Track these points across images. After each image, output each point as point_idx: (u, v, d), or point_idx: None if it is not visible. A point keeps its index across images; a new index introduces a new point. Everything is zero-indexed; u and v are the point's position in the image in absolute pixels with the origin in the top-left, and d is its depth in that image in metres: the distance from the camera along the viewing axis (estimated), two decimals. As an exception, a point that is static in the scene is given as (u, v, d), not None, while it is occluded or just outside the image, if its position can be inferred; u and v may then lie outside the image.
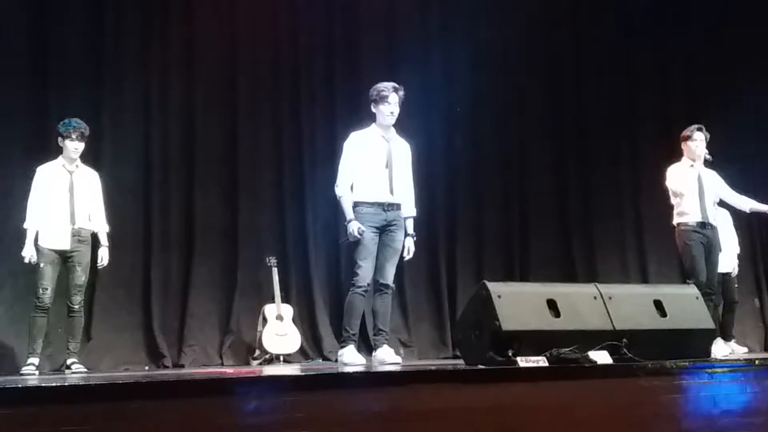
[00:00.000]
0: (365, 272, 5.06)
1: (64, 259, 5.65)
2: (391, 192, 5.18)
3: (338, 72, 7.69)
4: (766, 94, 8.36)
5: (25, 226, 5.60)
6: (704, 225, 6.05)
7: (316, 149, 7.44)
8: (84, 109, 6.30)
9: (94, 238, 5.81)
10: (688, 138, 6.18)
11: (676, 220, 6.18)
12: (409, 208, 5.31)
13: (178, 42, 7.18)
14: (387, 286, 5.16)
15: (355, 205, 5.13)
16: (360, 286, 5.06)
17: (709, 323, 4.40)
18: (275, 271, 6.84)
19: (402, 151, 5.33)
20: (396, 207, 5.19)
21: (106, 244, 5.84)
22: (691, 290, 4.54)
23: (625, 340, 3.91)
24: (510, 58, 8.32)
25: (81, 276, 5.67)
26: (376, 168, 5.17)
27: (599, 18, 8.52)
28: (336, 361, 5.98)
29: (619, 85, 8.62)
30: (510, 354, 3.68)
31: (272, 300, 6.79)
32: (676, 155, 6.31)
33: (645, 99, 8.74)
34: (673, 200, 6.21)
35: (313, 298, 7.24)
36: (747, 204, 6.26)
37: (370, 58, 7.72)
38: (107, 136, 6.73)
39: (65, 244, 5.62)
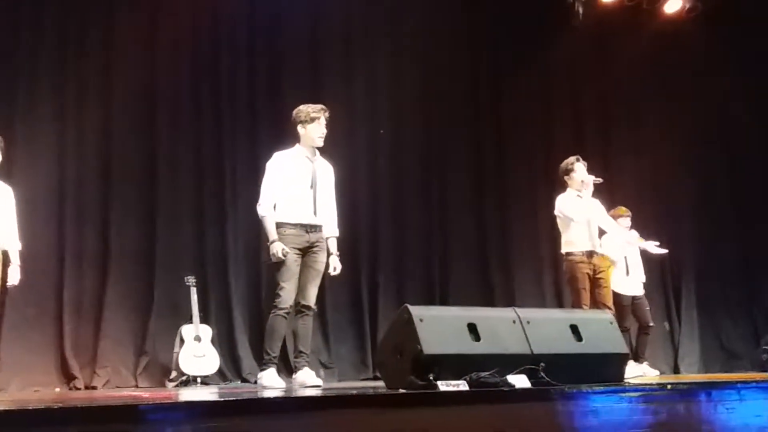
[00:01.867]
0: (288, 294, 5.03)
1: None
2: (315, 213, 5.18)
3: (260, 92, 7.65)
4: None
5: None
6: (592, 254, 6.21)
7: (237, 168, 7.38)
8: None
9: (5, 255, 5.50)
10: (570, 171, 6.34)
11: (564, 249, 6.31)
12: (332, 229, 5.32)
13: (96, 59, 7.05)
14: (309, 307, 5.16)
15: (278, 225, 5.09)
16: (282, 308, 5.03)
17: (622, 348, 4.50)
18: (194, 290, 6.73)
19: (326, 173, 5.35)
20: (318, 228, 5.20)
21: (18, 262, 5.51)
22: (606, 316, 4.65)
23: (542, 364, 3.94)
24: (433, 80, 8.38)
25: None
26: (300, 189, 5.16)
27: (519, 40, 8.67)
28: (255, 383, 5.91)
29: (534, 111, 8.79)
30: (431, 378, 3.67)
31: (190, 320, 6.67)
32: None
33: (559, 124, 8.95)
34: (562, 228, 6.34)
35: (232, 318, 7.15)
36: (623, 236, 6.43)
37: (293, 79, 7.69)
38: (20, 151, 6.52)
39: None
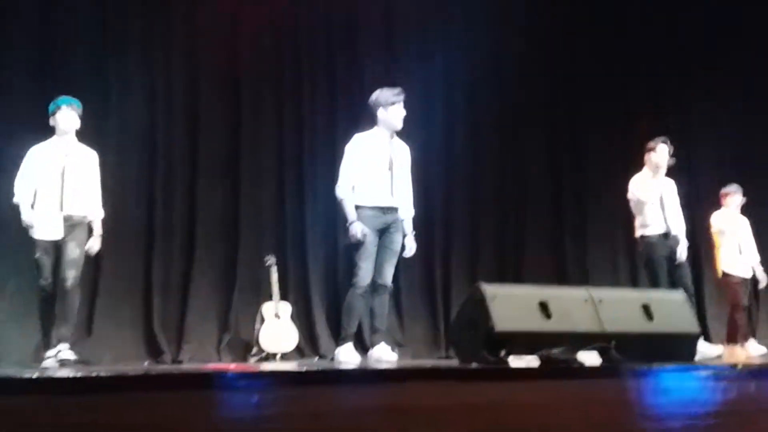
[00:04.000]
0: (365, 273, 5.15)
1: (58, 246, 5.29)
2: (392, 195, 5.29)
3: (339, 77, 7.77)
4: (724, 107, 8.51)
5: (15, 201, 5.36)
6: (667, 236, 6.15)
7: (316, 150, 7.51)
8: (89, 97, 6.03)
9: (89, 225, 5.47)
10: (652, 149, 6.28)
11: (639, 232, 6.27)
12: (408, 210, 5.43)
13: (181, 41, 7.27)
14: (385, 286, 5.27)
15: (356, 207, 5.22)
16: (360, 287, 5.16)
17: (694, 327, 4.50)
18: (274, 269, 6.91)
19: (403, 155, 5.45)
20: (395, 210, 5.32)
21: (100, 232, 5.48)
22: (678, 295, 4.65)
23: (613, 342, 4.00)
24: (508, 65, 8.39)
25: (75, 250, 5.27)
26: (378, 171, 5.27)
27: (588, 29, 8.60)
28: (332, 359, 6.07)
29: (612, 89, 8.70)
30: (502, 354, 3.77)
31: (270, 298, 6.87)
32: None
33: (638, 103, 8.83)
34: (635, 211, 6.29)
35: (310, 297, 7.31)
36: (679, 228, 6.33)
37: (370, 64, 7.80)
38: (111, 132, 6.78)
39: (57, 234, 5.27)
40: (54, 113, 5.38)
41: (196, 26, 7.30)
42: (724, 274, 7.10)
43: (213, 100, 7.30)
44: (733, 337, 6.98)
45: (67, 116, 5.36)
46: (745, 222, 7.27)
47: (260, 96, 7.47)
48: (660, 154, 6.27)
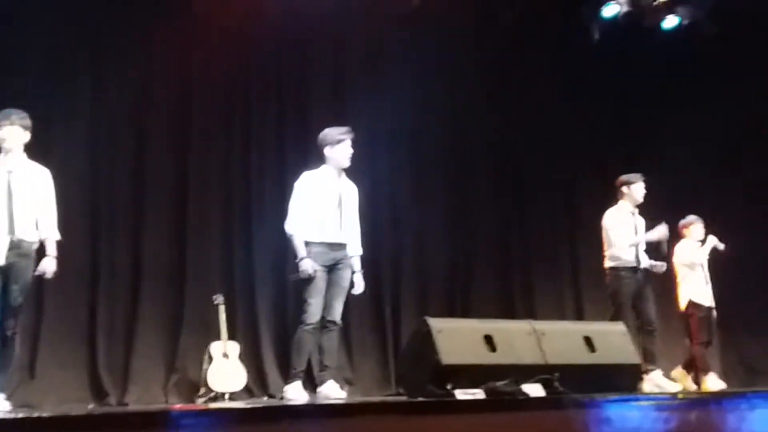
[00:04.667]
0: (315, 310, 5.20)
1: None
2: (341, 230, 5.36)
3: (288, 115, 7.80)
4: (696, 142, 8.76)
5: None
6: (636, 270, 6.31)
7: (264, 189, 7.51)
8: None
9: (38, 251, 5.04)
10: (631, 183, 6.43)
11: (609, 264, 6.41)
12: (356, 247, 5.50)
13: (131, 79, 7.18)
14: (334, 323, 5.31)
15: (305, 244, 5.27)
16: (309, 324, 5.19)
17: (635, 358, 4.63)
18: (222, 309, 6.87)
19: (351, 193, 5.55)
20: (343, 246, 5.38)
21: (54, 254, 5.04)
22: (619, 327, 4.78)
23: (556, 374, 4.09)
24: (452, 103, 8.53)
25: (17, 297, 4.86)
26: (327, 208, 5.35)
27: (540, 63, 8.79)
28: (281, 398, 6.04)
29: (559, 127, 8.89)
30: (449, 387, 3.83)
31: (218, 338, 6.82)
32: (608, 201, 6.56)
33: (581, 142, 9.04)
34: (608, 242, 6.42)
35: (259, 335, 7.27)
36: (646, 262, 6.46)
37: (318, 102, 7.87)
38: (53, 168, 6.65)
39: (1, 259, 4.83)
40: None
41: (147, 71, 7.25)
42: (692, 305, 7.02)
43: (160, 138, 7.26)
44: (689, 368, 7.03)
45: (7, 132, 4.93)
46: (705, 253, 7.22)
47: (208, 133, 7.46)
48: (638, 188, 6.41)
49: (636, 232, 6.42)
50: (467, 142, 8.63)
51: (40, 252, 5.08)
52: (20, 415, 3.44)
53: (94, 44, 7.10)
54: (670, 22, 8.35)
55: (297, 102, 7.88)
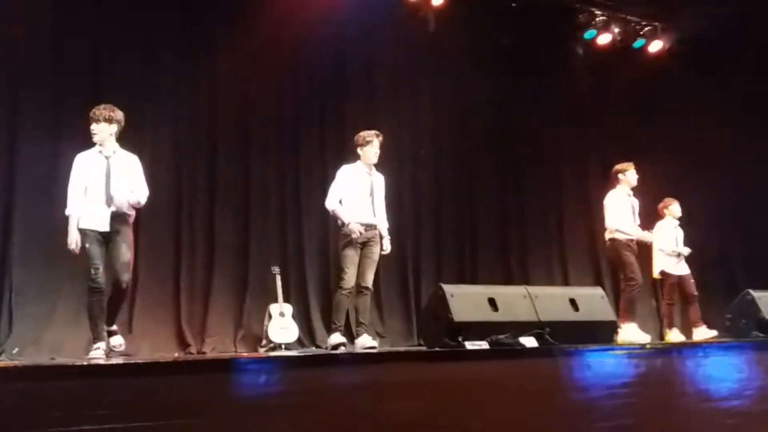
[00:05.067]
0: (350, 277, 5.18)
1: (107, 238, 4.62)
2: (373, 215, 5.34)
3: (328, 121, 7.78)
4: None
5: (66, 212, 4.66)
6: (631, 241, 6.24)
7: (311, 182, 7.49)
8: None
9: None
10: (625, 171, 6.35)
11: (610, 236, 6.27)
12: (383, 223, 5.47)
13: (203, 91, 7.22)
14: (367, 288, 5.30)
15: (343, 224, 5.26)
16: (345, 289, 5.19)
17: (611, 316, 4.60)
18: (278, 277, 6.93)
19: (380, 183, 5.52)
20: (374, 227, 5.34)
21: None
22: (598, 291, 4.74)
23: (547, 329, 4.08)
24: (463, 109, 8.42)
25: (126, 252, 4.64)
26: (361, 195, 5.34)
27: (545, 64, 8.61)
28: (326, 347, 6.06)
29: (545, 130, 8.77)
30: (460, 339, 3.83)
31: (276, 300, 6.88)
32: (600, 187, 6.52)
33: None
34: (609, 220, 6.30)
35: (308, 298, 7.31)
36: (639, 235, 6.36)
37: (353, 109, 7.80)
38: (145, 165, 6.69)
39: (105, 226, 4.62)
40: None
41: (213, 77, 7.26)
42: (663, 273, 6.86)
43: (228, 139, 7.27)
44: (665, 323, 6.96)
45: (96, 128, 4.70)
46: (680, 231, 7.01)
47: (267, 138, 7.46)
48: (631, 174, 6.33)
49: (633, 212, 6.31)
50: (474, 141, 8.50)
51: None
52: (121, 361, 3.51)
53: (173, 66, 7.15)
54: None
55: (336, 110, 7.83)
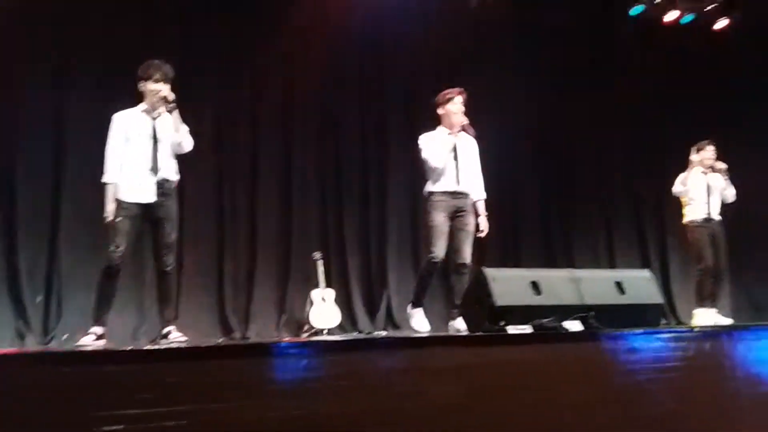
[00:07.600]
0: (439, 251, 4.73)
1: (148, 214, 4.23)
2: (458, 182, 4.86)
3: (368, 110, 7.69)
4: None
5: (103, 180, 4.22)
6: (709, 220, 6.07)
7: (351, 175, 7.48)
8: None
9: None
10: (702, 149, 6.18)
11: (686, 219, 6.14)
12: (479, 193, 4.99)
13: (250, 82, 7.24)
14: (465, 265, 4.77)
15: (431, 194, 4.86)
16: (435, 261, 4.75)
17: (658, 299, 4.50)
18: (320, 263, 6.97)
19: (468, 146, 4.97)
20: (464, 195, 4.87)
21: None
22: (645, 273, 4.64)
23: (592, 312, 4.01)
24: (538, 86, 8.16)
25: (171, 233, 4.27)
26: (444, 160, 4.86)
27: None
28: (368, 333, 6.03)
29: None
30: (502, 324, 3.80)
31: (318, 286, 6.93)
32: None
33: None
34: (685, 202, 6.15)
35: (350, 284, 7.33)
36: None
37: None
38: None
39: (148, 197, 4.21)
40: (144, 79, 4.37)
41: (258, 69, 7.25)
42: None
43: (271, 133, 7.27)
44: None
45: (152, 86, 4.34)
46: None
47: (306, 131, 7.44)
48: (709, 152, 6.16)
49: (708, 190, 6.12)
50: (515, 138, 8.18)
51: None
52: (168, 346, 3.58)
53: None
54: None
55: (377, 96, 7.76)
